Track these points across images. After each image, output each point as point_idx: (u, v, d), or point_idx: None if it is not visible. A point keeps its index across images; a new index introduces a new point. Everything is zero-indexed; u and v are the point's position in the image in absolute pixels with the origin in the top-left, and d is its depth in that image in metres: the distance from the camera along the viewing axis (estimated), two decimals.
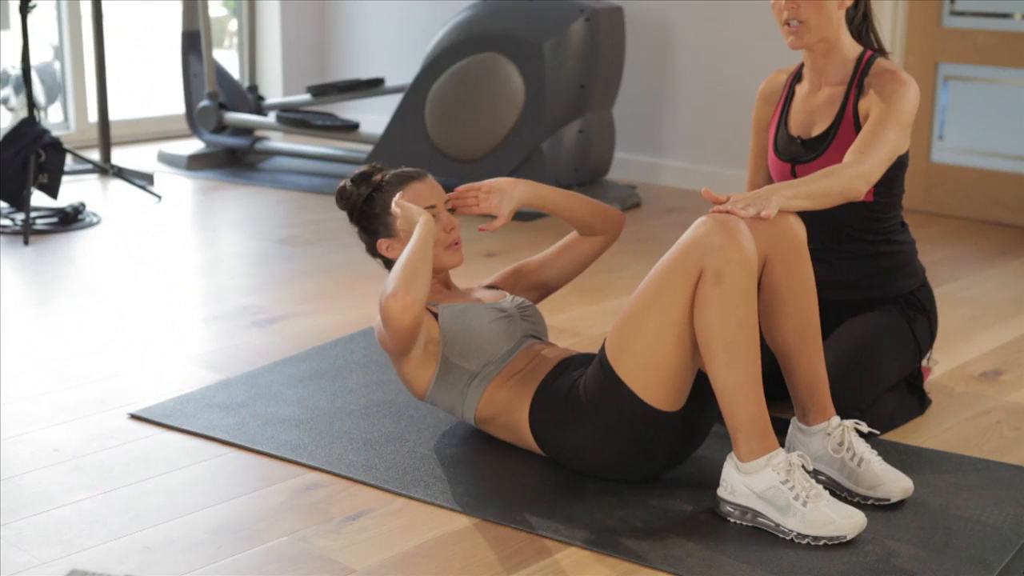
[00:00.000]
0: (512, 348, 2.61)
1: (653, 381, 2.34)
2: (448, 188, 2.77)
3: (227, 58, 6.72)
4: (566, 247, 2.90)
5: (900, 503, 2.42)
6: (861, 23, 2.82)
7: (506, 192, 2.70)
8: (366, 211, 2.69)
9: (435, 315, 2.60)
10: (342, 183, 2.75)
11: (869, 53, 2.80)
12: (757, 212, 2.35)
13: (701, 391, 2.38)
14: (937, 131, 5.02)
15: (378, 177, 2.70)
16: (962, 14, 4.89)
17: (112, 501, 2.40)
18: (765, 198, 2.39)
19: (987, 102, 4.92)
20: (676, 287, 2.30)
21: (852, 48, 2.80)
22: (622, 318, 2.38)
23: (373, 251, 2.74)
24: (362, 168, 2.76)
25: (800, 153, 2.85)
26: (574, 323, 3.58)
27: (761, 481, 2.28)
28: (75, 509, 2.37)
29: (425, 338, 2.56)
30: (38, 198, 4.71)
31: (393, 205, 2.61)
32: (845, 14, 2.78)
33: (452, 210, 2.72)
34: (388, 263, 2.72)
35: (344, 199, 2.73)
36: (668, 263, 2.32)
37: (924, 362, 2.98)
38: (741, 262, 2.27)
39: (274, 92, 6.68)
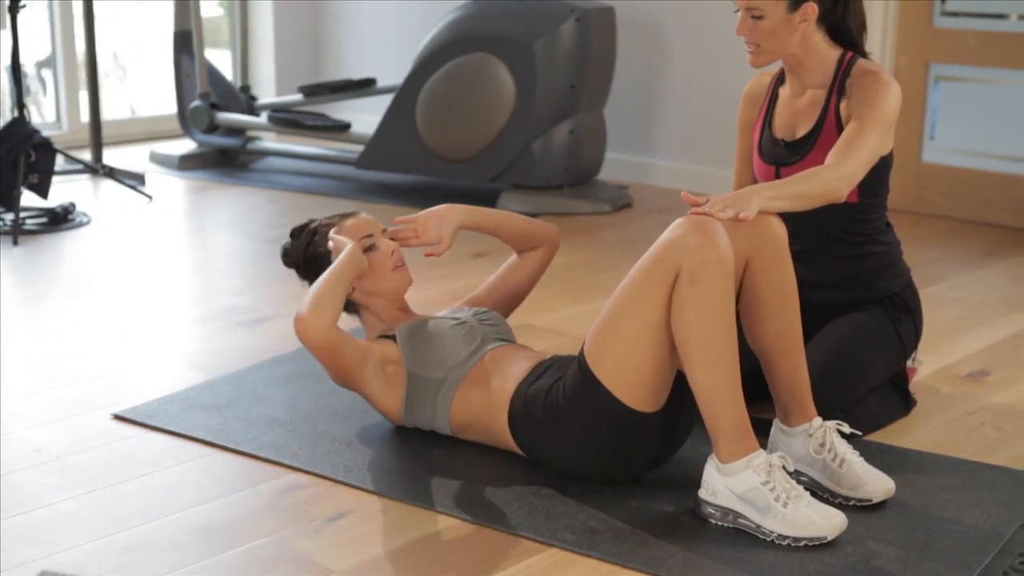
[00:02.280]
0: (474, 350, 2.63)
1: (631, 382, 2.34)
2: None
3: (219, 58, 6.72)
4: (509, 271, 2.98)
5: (882, 504, 2.42)
6: (840, 23, 2.78)
7: (444, 217, 2.77)
8: (309, 258, 2.76)
9: (392, 338, 2.66)
10: (284, 243, 2.86)
11: (850, 55, 2.79)
12: (736, 214, 2.34)
13: (682, 392, 2.38)
14: (928, 131, 5.02)
15: (314, 224, 2.81)
16: (953, 15, 4.89)
17: (93, 502, 2.40)
18: (745, 199, 2.38)
19: (978, 102, 4.92)
20: (653, 288, 2.30)
21: (830, 51, 2.78)
22: (600, 320, 2.38)
23: None
24: (297, 224, 2.87)
25: (784, 155, 2.85)
26: (561, 323, 3.59)
27: (741, 482, 2.28)
28: (56, 510, 2.37)
29: (382, 359, 2.62)
30: (28, 198, 4.71)
31: (328, 242, 2.72)
32: (823, 17, 2.75)
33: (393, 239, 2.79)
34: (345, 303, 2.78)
35: (288, 255, 2.83)
36: (645, 265, 2.33)
37: (909, 362, 2.98)
38: (717, 263, 2.27)
39: (267, 92, 6.67)
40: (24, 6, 4.76)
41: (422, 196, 5.24)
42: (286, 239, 2.87)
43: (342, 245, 2.66)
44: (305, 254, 2.79)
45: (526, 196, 5.02)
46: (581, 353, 2.42)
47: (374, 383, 2.62)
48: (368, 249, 2.71)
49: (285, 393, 2.95)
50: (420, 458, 2.60)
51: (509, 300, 2.96)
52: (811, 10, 2.71)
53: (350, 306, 2.78)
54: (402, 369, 2.63)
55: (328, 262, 2.71)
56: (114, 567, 2.16)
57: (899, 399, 2.92)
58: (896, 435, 2.80)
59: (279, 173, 5.76)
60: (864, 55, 2.81)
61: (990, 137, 4.90)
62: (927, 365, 3.22)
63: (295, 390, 2.98)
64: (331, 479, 2.52)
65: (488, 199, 5.12)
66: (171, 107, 6.07)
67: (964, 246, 4.60)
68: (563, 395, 2.42)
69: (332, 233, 2.72)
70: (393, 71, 5.96)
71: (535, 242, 2.95)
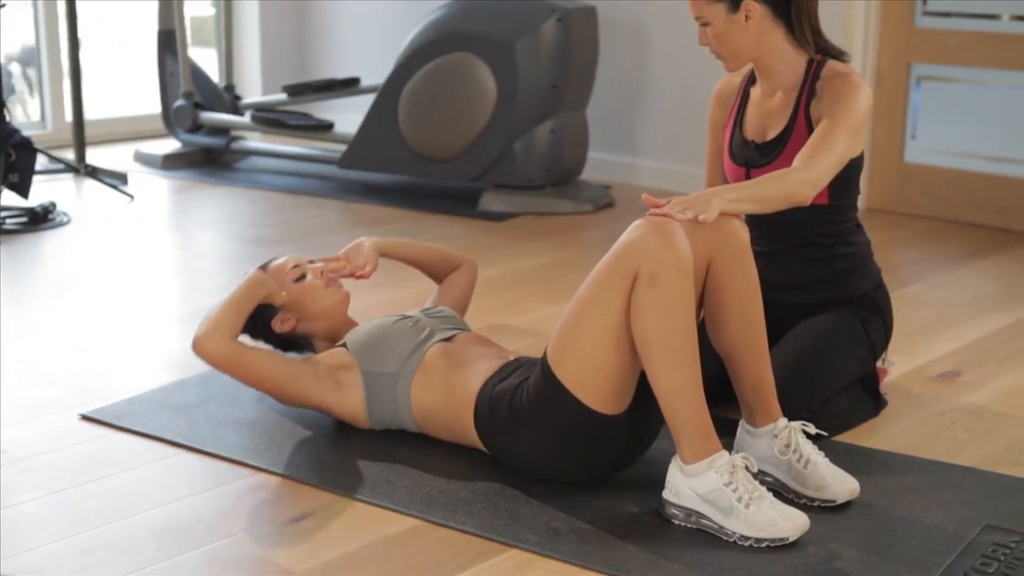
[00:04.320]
0: (425, 338, 2.66)
1: (594, 385, 2.34)
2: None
3: (206, 57, 6.71)
4: (442, 293, 3.06)
5: (846, 505, 2.42)
6: (794, 23, 2.73)
7: (363, 246, 2.94)
8: (255, 319, 2.76)
9: (344, 345, 2.70)
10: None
11: (819, 56, 2.78)
12: (695, 215, 2.34)
13: (647, 394, 2.37)
14: (910, 131, 5.02)
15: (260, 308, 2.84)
16: (935, 14, 4.89)
17: (56, 503, 2.40)
18: (705, 201, 2.38)
19: (960, 102, 4.92)
20: (612, 290, 2.30)
21: (796, 52, 2.76)
22: (562, 322, 2.38)
23: (282, 339, 2.83)
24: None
25: (754, 157, 2.84)
26: (537, 324, 3.58)
27: (704, 483, 2.28)
28: (18, 511, 2.36)
29: (330, 367, 2.66)
30: (8, 197, 4.70)
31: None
32: (776, 17, 2.73)
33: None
34: (293, 339, 2.84)
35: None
36: (604, 267, 2.33)
37: (879, 363, 2.98)
38: (675, 264, 2.26)
39: (253, 91, 6.67)
40: (3, 5, 4.75)
41: (404, 196, 5.24)
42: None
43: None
44: (277, 339, 2.83)
45: (508, 195, 5.02)
46: (544, 355, 2.42)
47: (327, 393, 2.65)
48: (299, 279, 2.80)
49: (254, 394, 2.94)
50: (385, 459, 2.60)
51: None
52: (753, 9, 2.69)
53: (302, 342, 2.84)
54: (356, 372, 2.64)
55: (262, 310, 2.76)
56: (74, 569, 2.16)
57: (869, 400, 2.91)
58: (865, 436, 2.80)
59: (263, 173, 5.75)
60: (836, 56, 2.79)
61: (972, 137, 4.90)
62: (899, 365, 3.21)
63: None
64: (296, 480, 2.51)
65: (470, 198, 5.12)
66: (155, 106, 6.06)
67: (945, 246, 4.60)
68: (527, 397, 2.42)
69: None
70: (378, 70, 5.96)
71: (451, 263, 3.07)
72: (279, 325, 2.79)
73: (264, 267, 2.86)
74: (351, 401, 2.66)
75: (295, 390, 2.64)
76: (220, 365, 2.60)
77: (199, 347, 2.59)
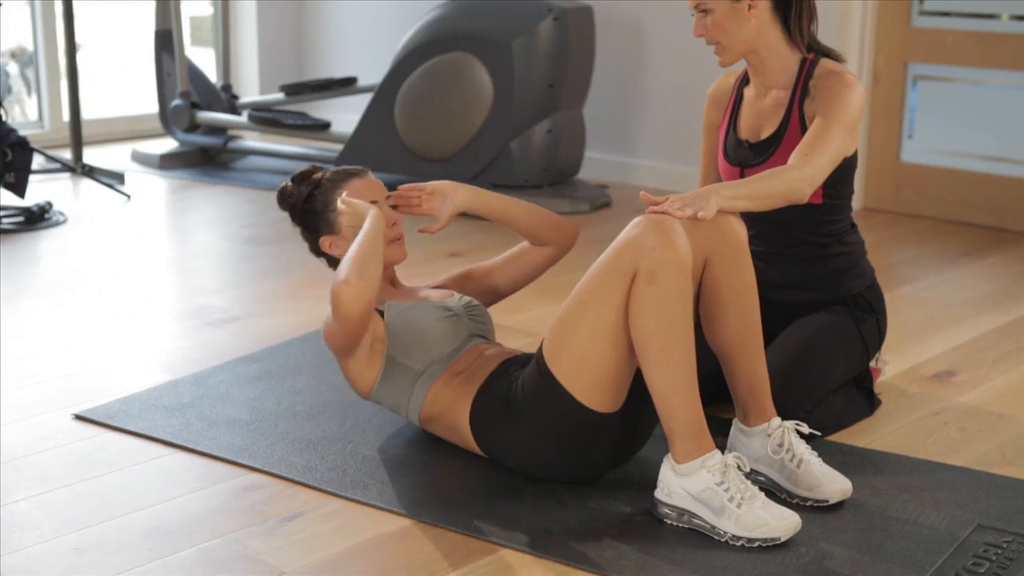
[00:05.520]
0: (458, 347, 2.60)
1: (589, 382, 2.34)
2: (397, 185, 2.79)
3: (205, 57, 6.71)
4: (516, 256, 2.89)
5: (839, 504, 2.42)
6: (796, 23, 2.75)
7: (448, 195, 2.70)
8: (307, 209, 2.70)
9: (381, 313, 2.59)
10: (283, 184, 2.76)
11: (812, 55, 2.78)
12: (694, 213, 2.34)
13: (642, 392, 2.37)
14: (907, 131, 5.01)
15: (319, 175, 2.70)
16: (932, 14, 4.89)
17: (47, 503, 2.40)
18: (704, 198, 2.38)
19: (956, 102, 4.91)
20: (611, 288, 2.30)
21: (791, 50, 2.77)
22: (558, 319, 2.38)
23: (316, 249, 2.73)
24: (302, 169, 2.76)
25: (749, 157, 2.84)
26: (532, 323, 3.58)
27: (697, 483, 2.27)
28: (9, 511, 2.36)
29: (371, 335, 2.54)
30: (5, 197, 4.70)
31: (339, 202, 2.61)
32: (775, 13, 2.74)
33: (394, 207, 2.72)
34: (331, 261, 2.71)
35: (285, 199, 2.74)
36: (603, 264, 2.32)
37: (873, 363, 2.98)
38: (675, 263, 2.26)
39: (251, 91, 6.66)
40: (0, 4, 4.75)
41: None
42: (286, 181, 2.75)
43: (361, 210, 2.55)
44: (304, 204, 2.69)
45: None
46: (539, 351, 2.41)
47: (361, 354, 2.55)
48: None
49: (248, 393, 2.95)
50: (380, 458, 2.60)
51: (504, 286, 2.88)
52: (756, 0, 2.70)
53: (334, 264, 2.67)
54: (384, 347, 2.56)
55: (324, 218, 2.64)
56: (65, 568, 2.16)
57: (863, 399, 2.91)
58: (859, 435, 2.80)
59: (260, 172, 5.75)
60: (829, 55, 2.79)
61: (968, 137, 4.89)
62: (894, 365, 3.21)
63: (259, 390, 2.97)
64: (288, 479, 2.51)
65: None
66: (153, 106, 6.06)
67: (940, 246, 4.59)
68: (521, 394, 2.41)
69: (345, 196, 2.61)
70: (375, 70, 5.95)
71: (543, 240, 2.84)
72: (327, 246, 2.66)
73: (337, 180, 2.66)
74: (369, 371, 2.57)
75: (355, 345, 2.50)
76: (360, 316, 2.38)
77: (356, 294, 2.34)
